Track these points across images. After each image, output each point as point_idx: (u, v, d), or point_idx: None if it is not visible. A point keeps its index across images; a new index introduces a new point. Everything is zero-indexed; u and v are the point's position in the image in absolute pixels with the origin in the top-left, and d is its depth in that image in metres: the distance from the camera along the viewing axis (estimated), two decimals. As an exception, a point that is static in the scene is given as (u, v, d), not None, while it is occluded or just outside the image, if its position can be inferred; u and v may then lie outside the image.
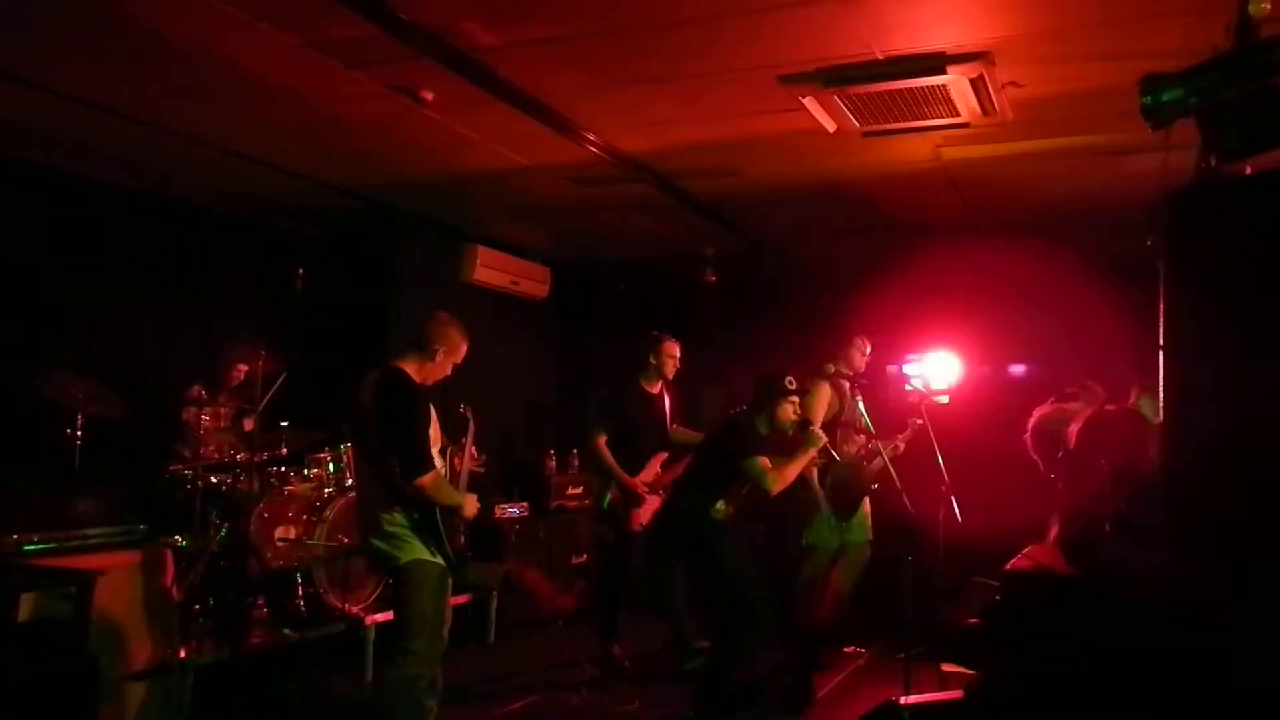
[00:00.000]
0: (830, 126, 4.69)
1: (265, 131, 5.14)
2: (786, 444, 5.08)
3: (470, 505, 3.97)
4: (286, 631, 5.11)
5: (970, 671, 4.29)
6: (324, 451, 5.78)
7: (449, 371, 4.10)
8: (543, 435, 8.54)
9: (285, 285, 6.38)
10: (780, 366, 5.18)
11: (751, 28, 3.73)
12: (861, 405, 5.26)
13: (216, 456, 5.46)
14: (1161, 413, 2.47)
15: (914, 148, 5.08)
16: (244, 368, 5.71)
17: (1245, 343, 2.35)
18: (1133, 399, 4.05)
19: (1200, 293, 2.42)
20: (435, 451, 3.91)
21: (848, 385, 5.82)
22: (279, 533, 5.41)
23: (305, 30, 3.85)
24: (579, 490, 7.73)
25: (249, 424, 5.48)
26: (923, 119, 4.56)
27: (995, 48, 3.85)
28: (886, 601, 5.86)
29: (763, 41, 3.86)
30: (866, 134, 4.80)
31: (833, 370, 5.91)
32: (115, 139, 5.18)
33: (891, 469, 5.26)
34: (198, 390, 5.59)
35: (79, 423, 4.74)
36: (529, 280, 8.00)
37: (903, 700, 4.31)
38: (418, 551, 3.80)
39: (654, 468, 5.85)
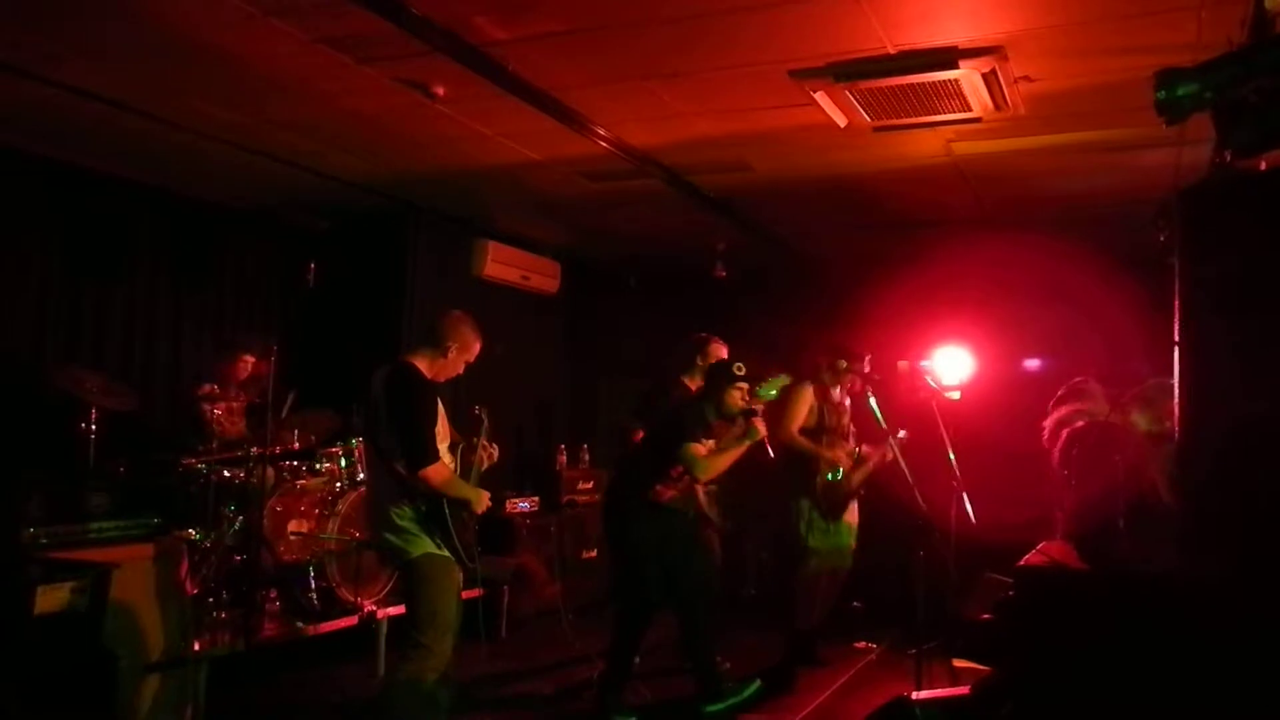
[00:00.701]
0: (841, 121, 4.68)
1: (277, 127, 5.16)
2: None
3: (482, 500, 3.99)
4: (299, 625, 5.13)
5: (982, 667, 4.30)
6: (336, 446, 5.80)
7: (461, 369, 4.12)
8: (553, 430, 8.56)
9: (297, 280, 6.42)
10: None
11: (763, 23, 3.73)
12: (874, 403, 5.24)
13: (231, 448, 5.49)
14: (1149, 423, 2.47)
15: (926, 143, 5.06)
16: (250, 360, 5.73)
17: (1260, 338, 2.34)
18: (1130, 412, 4.05)
19: (1214, 288, 2.41)
20: (445, 448, 3.92)
21: (857, 385, 5.78)
22: (292, 526, 5.44)
23: (316, 26, 3.86)
24: (589, 485, 7.75)
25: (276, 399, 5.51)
26: (934, 114, 4.55)
27: (1008, 42, 3.84)
28: (898, 597, 5.87)
29: (774, 36, 3.85)
30: (878, 129, 4.79)
31: (844, 367, 5.84)
32: (127, 135, 5.20)
33: (903, 463, 5.24)
34: (210, 387, 5.61)
35: (93, 417, 4.77)
36: (540, 275, 8.00)
37: (914, 696, 4.31)
38: (427, 546, 3.82)
39: None
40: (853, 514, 5.85)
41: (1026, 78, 4.15)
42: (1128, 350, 5.54)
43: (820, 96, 4.39)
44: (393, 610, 5.29)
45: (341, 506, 5.41)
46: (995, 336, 7.31)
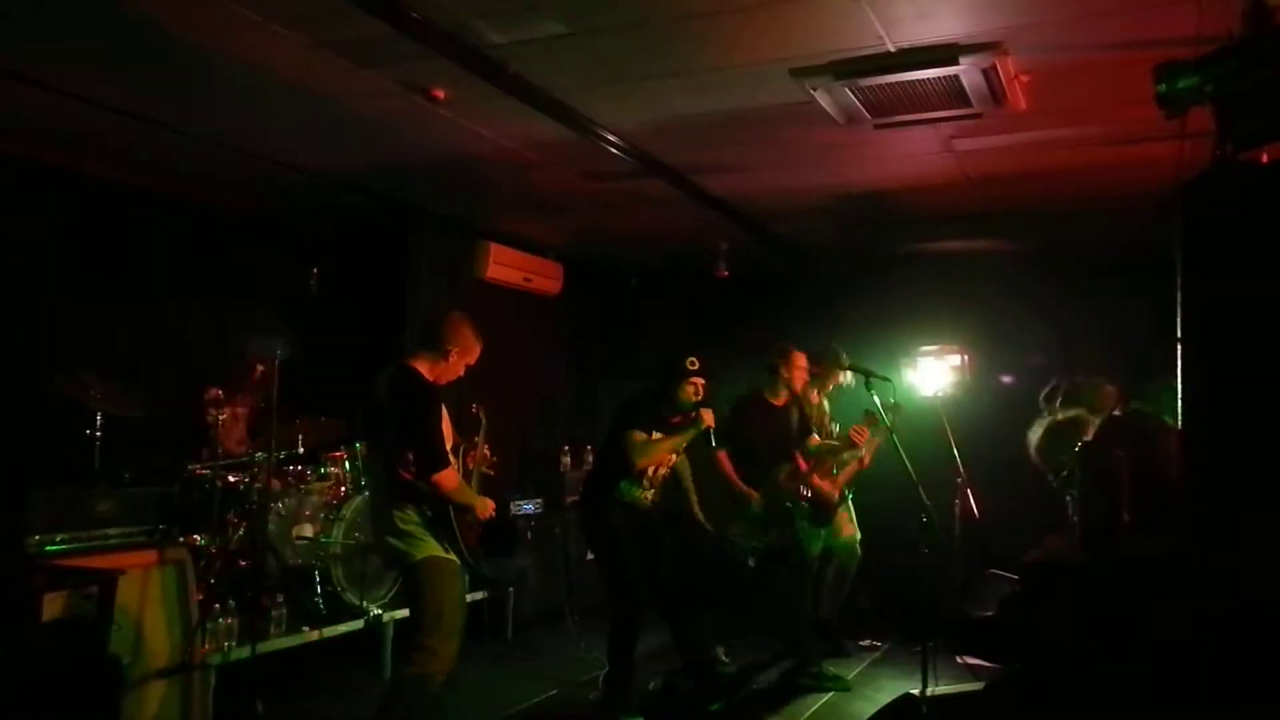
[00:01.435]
0: (841, 119, 4.68)
1: (279, 131, 5.17)
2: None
3: (485, 508, 3.98)
4: (305, 629, 5.14)
5: (988, 663, 4.30)
6: (340, 450, 5.81)
7: (462, 372, 4.11)
8: (557, 431, 8.56)
9: (301, 284, 6.42)
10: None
11: (763, 21, 3.72)
12: (877, 400, 5.23)
13: (236, 453, 5.50)
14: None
15: (926, 139, 5.06)
16: (261, 367, 5.74)
17: (1263, 331, 2.34)
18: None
19: (1216, 282, 2.41)
20: (449, 450, 3.92)
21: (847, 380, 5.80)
22: (297, 531, 5.45)
23: (318, 30, 3.87)
24: (594, 486, 7.73)
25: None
26: (935, 110, 4.54)
27: (1007, 37, 3.83)
28: (904, 594, 5.87)
29: (774, 34, 3.85)
30: (878, 126, 4.79)
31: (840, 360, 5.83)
32: (131, 140, 5.21)
33: (907, 462, 5.24)
34: (215, 392, 5.62)
35: (99, 423, 4.77)
36: (542, 277, 8.00)
37: (921, 693, 4.31)
38: (431, 548, 3.81)
39: None
40: (849, 507, 5.89)
41: (1026, 73, 4.15)
42: (1129, 347, 5.55)
43: (820, 94, 4.39)
44: (398, 613, 5.29)
45: (346, 511, 5.42)
46: (998, 333, 7.32)
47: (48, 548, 4.04)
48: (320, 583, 5.33)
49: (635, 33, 3.87)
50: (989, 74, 4.09)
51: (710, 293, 8.37)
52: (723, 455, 5.56)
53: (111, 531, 4.29)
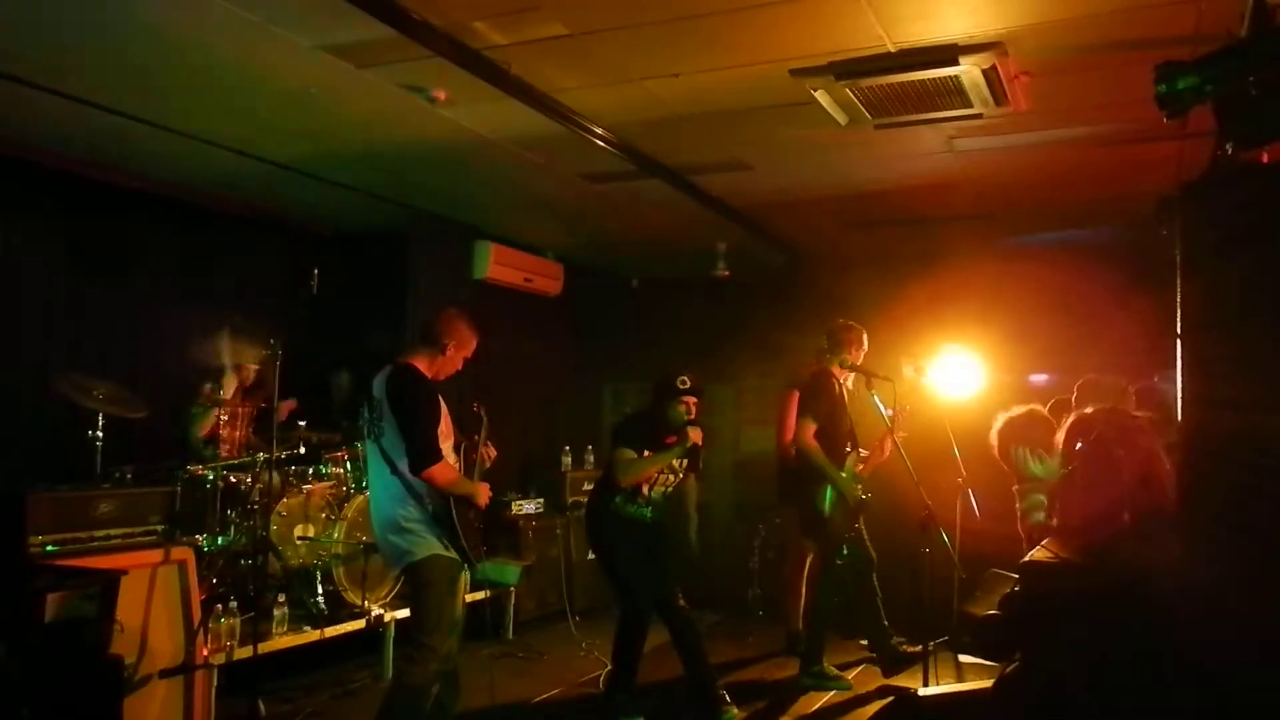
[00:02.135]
0: (842, 119, 4.68)
1: (279, 133, 5.17)
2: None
3: (483, 493, 3.99)
4: (307, 629, 5.15)
5: (988, 663, 4.29)
6: (341, 450, 5.82)
7: (460, 366, 4.13)
8: (558, 431, 8.57)
9: (300, 285, 6.41)
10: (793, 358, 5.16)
11: (763, 21, 3.73)
12: (877, 399, 5.23)
13: (235, 455, 5.50)
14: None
15: (927, 140, 5.06)
16: (254, 366, 5.74)
17: (1263, 333, 2.34)
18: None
19: (1217, 281, 2.41)
20: (448, 446, 3.93)
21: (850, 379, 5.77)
22: (298, 531, 5.46)
23: (317, 32, 3.87)
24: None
25: (283, 407, 5.55)
26: (935, 110, 4.55)
27: (1008, 38, 3.84)
28: (904, 594, 5.87)
29: (774, 34, 3.85)
30: (878, 126, 4.79)
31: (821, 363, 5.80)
32: (130, 142, 5.21)
33: (907, 461, 5.25)
34: (209, 388, 5.62)
35: (99, 424, 4.78)
36: (542, 277, 8.01)
37: (921, 692, 4.32)
38: (433, 547, 3.82)
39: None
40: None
41: (1026, 73, 4.15)
42: (1131, 347, 5.55)
43: (821, 95, 4.39)
44: (400, 613, 5.30)
45: (348, 510, 5.43)
46: (1000, 334, 7.31)
47: (50, 548, 4.03)
48: (322, 582, 5.34)
49: (635, 33, 3.87)
50: (989, 74, 4.10)
51: (711, 293, 8.37)
52: (810, 429, 5.48)
53: (114, 532, 4.29)
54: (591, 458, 8.07)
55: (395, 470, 3.82)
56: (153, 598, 4.27)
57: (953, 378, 5.54)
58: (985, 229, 7.00)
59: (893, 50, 3.97)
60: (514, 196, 6.49)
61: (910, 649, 5.59)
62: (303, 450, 5.75)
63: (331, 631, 5.24)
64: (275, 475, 5.32)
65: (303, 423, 5.85)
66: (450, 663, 3.87)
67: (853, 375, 5.65)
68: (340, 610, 5.34)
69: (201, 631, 4.43)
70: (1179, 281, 2.40)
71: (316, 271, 5.85)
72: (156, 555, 4.35)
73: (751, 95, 4.50)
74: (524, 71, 4.23)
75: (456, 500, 3.86)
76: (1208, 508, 2.37)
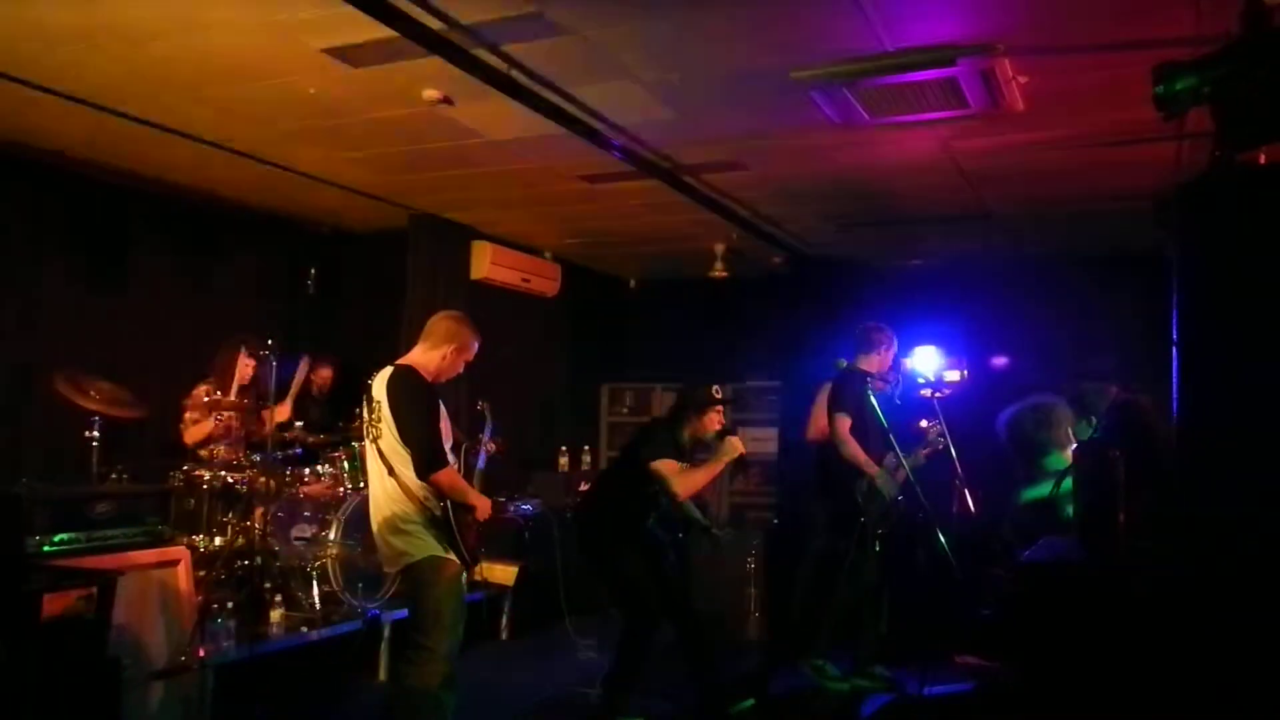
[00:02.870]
0: (839, 119, 4.68)
1: (275, 133, 5.16)
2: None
3: (484, 508, 3.98)
4: (304, 630, 5.14)
5: (986, 662, 4.30)
6: (338, 450, 5.81)
7: (460, 369, 4.11)
8: (555, 432, 8.57)
9: (298, 284, 6.42)
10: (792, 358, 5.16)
11: (761, 22, 3.73)
12: (875, 402, 5.23)
13: (230, 456, 5.49)
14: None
15: (924, 140, 5.06)
16: (251, 363, 5.73)
17: (1258, 334, 2.34)
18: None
19: (1213, 283, 2.41)
20: (449, 448, 3.92)
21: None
22: (295, 532, 5.44)
23: (315, 32, 3.87)
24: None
25: (281, 411, 5.53)
26: (932, 111, 4.55)
27: (1005, 38, 3.83)
28: (902, 593, 5.87)
29: (772, 36, 3.85)
30: (876, 127, 4.79)
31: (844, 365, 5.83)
32: (126, 140, 5.21)
33: (904, 461, 5.25)
34: (206, 390, 5.61)
35: (97, 424, 4.77)
36: (540, 278, 8.01)
37: (918, 693, 4.32)
38: (431, 548, 3.81)
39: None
40: None
41: (1024, 74, 4.15)
42: (1128, 348, 5.56)
43: (818, 95, 4.39)
44: (397, 614, 5.29)
45: (345, 511, 5.41)
46: (996, 333, 7.33)
47: (46, 549, 4.02)
48: (318, 583, 5.33)
49: (635, 35, 3.87)
50: (986, 75, 4.10)
51: (708, 293, 8.37)
52: (845, 424, 5.44)
53: (110, 532, 4.28)
54: (588, 458, 8.07)
55: (393, 471, 3.81)
56: (149, 598, 4.27)
57: (946, 376, 5.54)
58: (982, 229, 7.00)
59: (890, 51, 3.97)
60: (511, 197, 6.48)
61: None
62: (299, 451, 5.73)
63: (328, 632, 5.23)
64: (272, 476, 5.32)
65: (299, 422, 5.83)
66: (450, 664, 3.86)
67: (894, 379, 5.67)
68: (337, 611, 5.33)
69: (198, 632, 4.42)
70: (1175, 281, 2.41)
71: (314, 271, 5.86)
72: (153, 556, 4.35)
73: (749, 95, 4.50)
74: (522, 70, 4.22)
75: (454, 503, 3.85)
76: (1204, 508, 2.37)
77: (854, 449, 5.40)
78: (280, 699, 4.93)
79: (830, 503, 5.67)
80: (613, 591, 4.99)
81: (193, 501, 5.19)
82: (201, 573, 4.83)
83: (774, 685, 5.58)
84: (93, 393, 4.80)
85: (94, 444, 4.75)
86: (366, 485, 4.27)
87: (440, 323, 4.07)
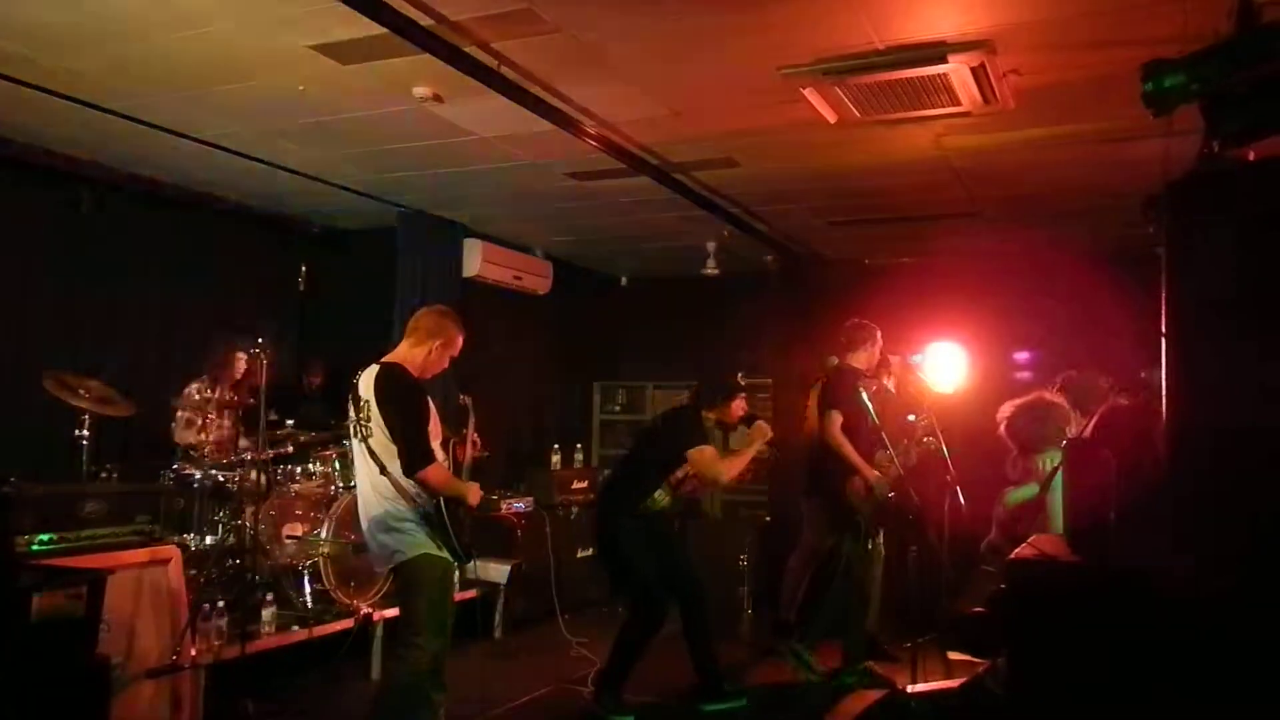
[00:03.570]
0: (831, 117, 4.68)
1: (265, 130, 5.15)
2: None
3: (473, 494, 3.97)
4: (295, 628, 5.12)
5: (976, 660, 4.31)
6: (329, 448, 5.79)
7: (447, 365, 4.09)
8: (546, 429, 8.56)
9: (290, 282, 6.40)
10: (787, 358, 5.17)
11: (752, 19, 3.73)
12: (865, 398, 5.23)
13: (222, 454, 5.47)
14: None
15: (915, 137, 5.07)
16: (242, 358, 5.71)
17: (1248, 330, 2.35)
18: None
19: (1202, 280, 2.42)
20: (436, 445, 3.91)
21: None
22: (287, 530, 5.43)
23: (305, 29, 3.85)
24: (584, 484, 7.74)
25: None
26: (924, 108, 4.56)
27: (996, 36, 3.84)
28: (893, 591, 5.88)
29: (763, 33, 3.85)
30: (867, 124, 4.80)
31: (835, 363, 5.84)
32: (116, 138, 5.19)
33: (897, 461, 5.26)
34: (196, 388, 5.60)
35: (87, 422, 4.75)
36: (531, 275, 8.00)
37: (909, 689, 4.33)
38: (423, 546, 3.80)
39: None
40: None
41: (1015, 71, 4.16)
42: (1118, 343, 5.56)
43: (809, 92, 4.39)
44: (389, 612, 5.29)
45: (336, 509, 5.40)
46: (987, 331, 7.33)
47: (35, 547, 4.00)
48: (310, 582, 5.32)
49: (624, 31, 3.87)
50: (978, 72, 4.11)
51: (700, 291, 8.37)
52: (836, 421, 5.47)
53: (100, 531, 4.25)
54: (580, 456, 8.06)
55: (384, 470, 3.80)
56: (140, 597, 4.25)
57: (940, 374, 5.55)
58: (973, 226, 7.02)
59: (881, 48, 3.97)
60: (503, 194, 6.48)
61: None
62: (291, 449, 5.72)
63: (320, 631, 5.21)
64: (263, 474, 5.30)
65: (290, 420, 5.81)
66: (441, 662, 3.86)
67: (889, 377, 5.68)
68: (329, 609, 5.32)
69: (189, 631, 4.41)
70: (1165, 278, 2.41)
71: (305, 269, 5.83)
72: (144, 555, 4.32)
73: (741, 93, 4.50)
74: (512, 68, 4.22)
75: (447, 498, 3.84)
76: (1194, 504, 2.38)
77: (846, 447, 5.41)
78: (272, 698, 4.92)
79: (822, 500, 5.68)
80: (626, 578, 5.01)
81: (184, 500, 5.17)
82: (193, 571, 4.81)
83: (765, 682, 5.57)
84: (82, 391, 4.78)
85: (84, 443, 4.73)
86: (356, 483, 4.26)
87: (425, 318, 4.04)
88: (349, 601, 5.34)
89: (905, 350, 5.79)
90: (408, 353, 3.97)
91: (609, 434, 9.56)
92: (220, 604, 4.70)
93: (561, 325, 8.99)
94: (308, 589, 5.32)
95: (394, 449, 3.77)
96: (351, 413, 3.91)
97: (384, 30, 3.68)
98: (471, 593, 6.21)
